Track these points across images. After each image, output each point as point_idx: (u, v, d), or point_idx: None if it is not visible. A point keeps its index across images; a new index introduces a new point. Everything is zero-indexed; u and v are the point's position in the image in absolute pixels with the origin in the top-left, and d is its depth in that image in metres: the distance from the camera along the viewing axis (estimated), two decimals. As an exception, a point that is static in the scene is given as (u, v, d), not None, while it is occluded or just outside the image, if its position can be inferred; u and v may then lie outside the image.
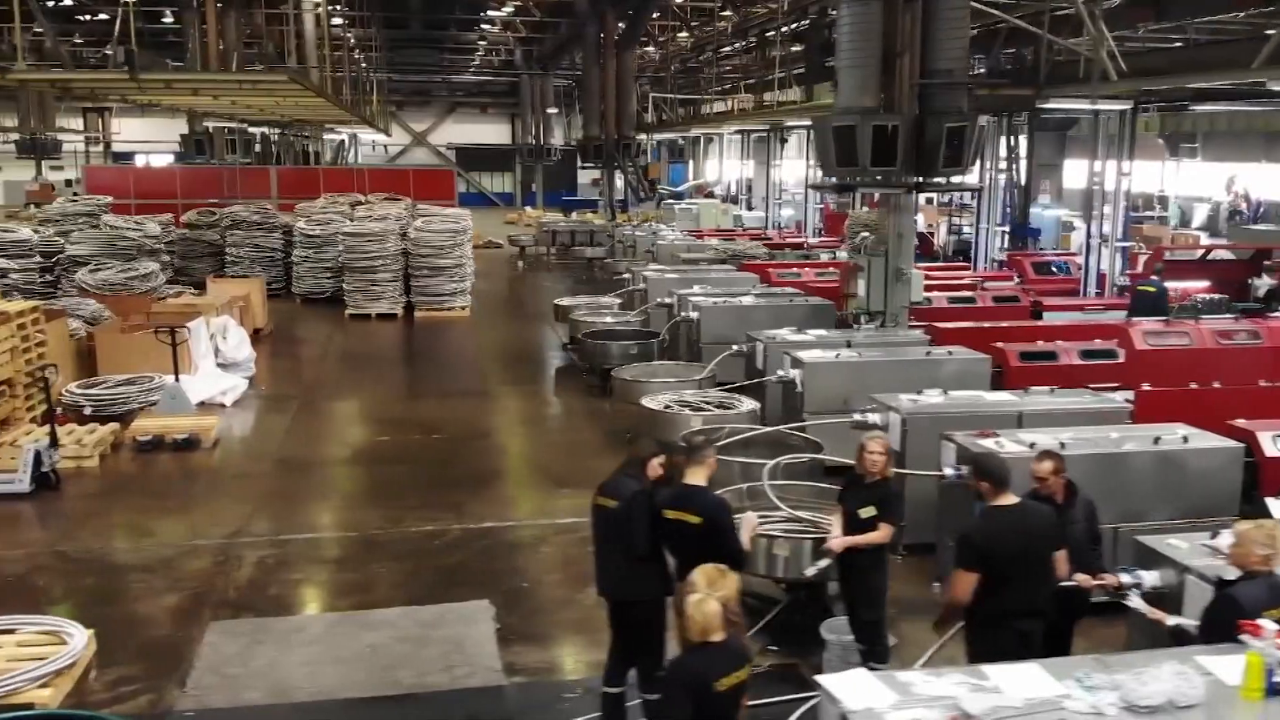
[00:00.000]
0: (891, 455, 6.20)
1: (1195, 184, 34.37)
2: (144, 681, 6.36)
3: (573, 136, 49.28)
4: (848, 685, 4.10)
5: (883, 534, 5.80)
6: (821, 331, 11.80)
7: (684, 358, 13.63)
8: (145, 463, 10.79)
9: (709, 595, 3.98)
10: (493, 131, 58.47)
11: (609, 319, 15.51)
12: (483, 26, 41.43)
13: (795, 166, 34.57)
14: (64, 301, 14.67)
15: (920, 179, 12.45)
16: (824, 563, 6.15)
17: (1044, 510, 5.37)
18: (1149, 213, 32.83)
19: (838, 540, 5.87)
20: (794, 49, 32.91)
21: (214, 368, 13.58)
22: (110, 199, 23.36)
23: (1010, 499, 5.20)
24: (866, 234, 22.72)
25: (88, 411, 12.03)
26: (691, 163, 49.48)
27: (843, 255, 21.78)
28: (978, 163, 13.38)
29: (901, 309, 12.75)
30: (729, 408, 10.15)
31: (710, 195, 42.56)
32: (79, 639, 6.39)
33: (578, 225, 29.76)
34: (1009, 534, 5.08)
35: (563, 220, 31.14)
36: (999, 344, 10.64)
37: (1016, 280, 17.24)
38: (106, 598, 7.58)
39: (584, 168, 35.01)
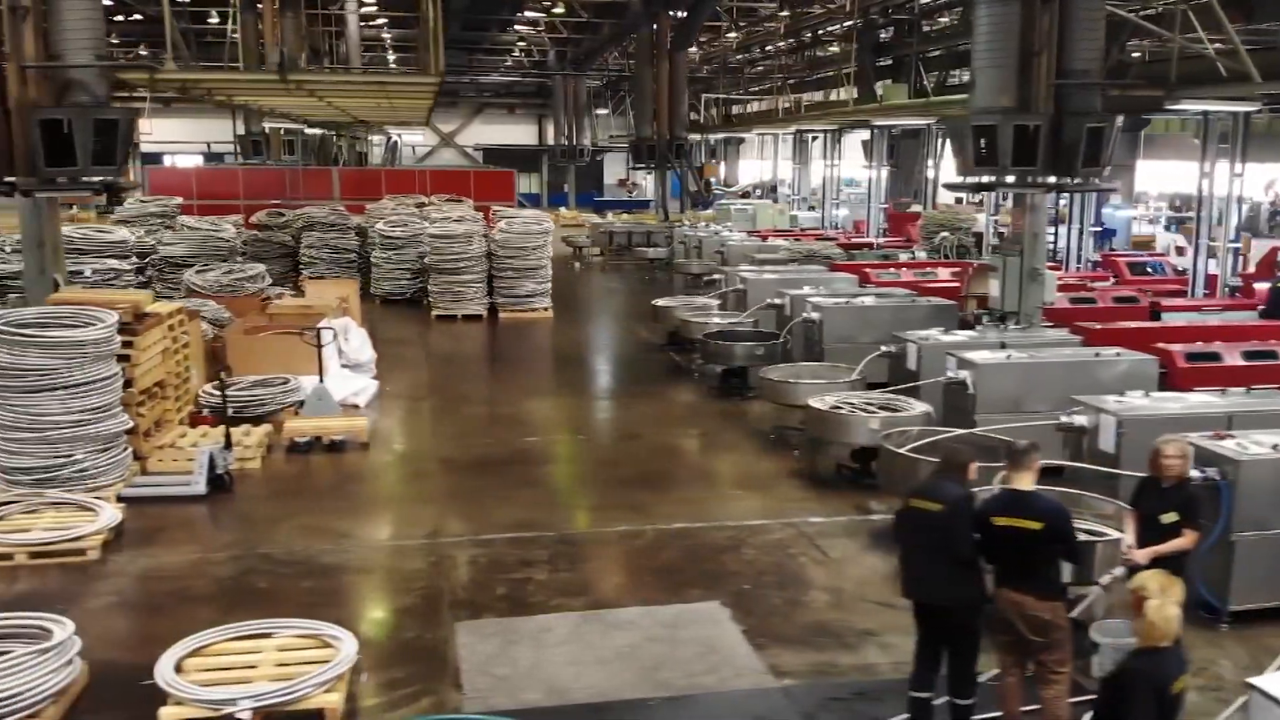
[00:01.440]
0: (1189, 457, 6.19)
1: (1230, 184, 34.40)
2: (418, 684, 6.36)
3: (599, 137, 49.34)
4: None
5: (1188, 540, 5.80)
6: (970, 333, 11.79)
7: (801, 358, 13.64)
8: (306, 464, 10.79)
9: (1167, 600, 3.99)
10: (520, 132, 58.44)
11: (717, 319, 15.51)
12: (517, 28, 41.48)
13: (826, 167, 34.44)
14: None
15: (1056, 179, 12.55)
16: (1119, 571, 6.09)
17: None
18: (1188, 213, 32.95)
19: (1144, 552, 5.82)
20: (834, 49, 33.13)
21: (340, 369, 13.57)
22: (180, 199, 23.42)
23: None
24: (946, 234, 22.87)
25: (229, 413, 12.03)
26: (723, 163, 49.42)
27: (922, 255, 21.86)
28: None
29: (1035, 309, 12.79)
30: (896, 410, 10.13)
31: (746, 195, 42.64)
32: (348, 642, 6.37)
33: (634, 226, 29.76)
34: None
35: (618, 221, 31.12)
36: (1161, 344, 10.65)
37: (1112, 280, 17.27)
38: (334, 600, 7.56)
39: (635, 168, 34.98)
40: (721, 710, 6.13)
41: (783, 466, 10.73)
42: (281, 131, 29.86)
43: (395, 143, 43.75)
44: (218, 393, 12.27)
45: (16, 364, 8.99)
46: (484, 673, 6.47)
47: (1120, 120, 12.66)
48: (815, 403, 10.21)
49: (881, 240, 24.69)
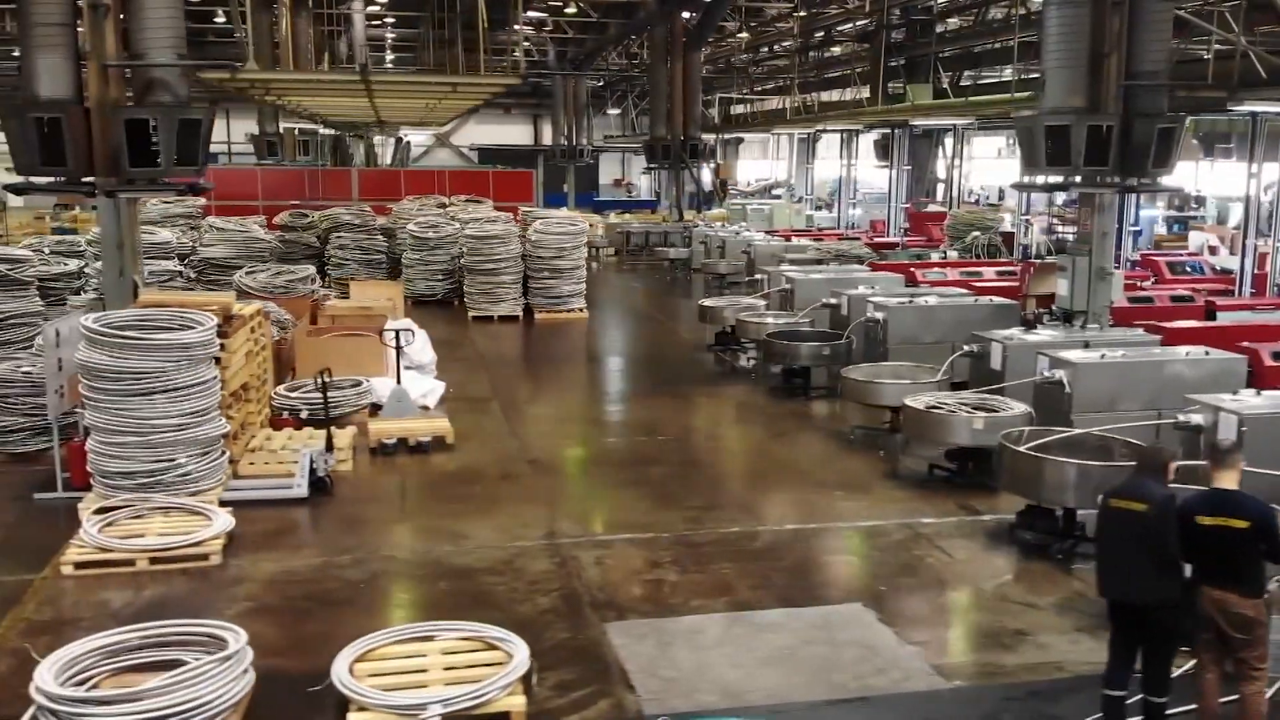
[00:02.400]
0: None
1: (1229, 183, 34.77)
2: (589, 685, 6.31)
3: (595, 138, 49.22)
4: None
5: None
6: (1051, 332, 11.82)
7: (863, 358, 13.66)
8: (396, 466, 10.70)
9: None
10: (515, 132, 58.28)
11: (770, 319, 15.49)
12: (516, 27, 41.31)
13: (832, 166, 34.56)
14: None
15: (1123, 180, 12.63)
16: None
17: None
18: (1190, 213, 33.23)
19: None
20: (838, 50, 33.20)
21: (405, 370, 13.47)
22: (203, 200, 23.20)
23: None
24: (977, 234, 22.97)
25: (304, 415, 11.95)
26: (720, 163, 49.46)
27: (954, 254, 21.94)
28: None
29: (1103, 308, 12.87)
30: (992, 410, 10.14)
31: (771, 191, 42.49)
32: (519, 645, 6.32)
33: (651, 226, 29.76)
34: None
35: (635, 221, 31.10)
36: (1246, 343, 10.73)
37: (1152, 280, 17.39)
38: (473, 601, 7.50)
39: (649, 169, 34.99)
40: (902, 712, 6.11)
41: (872, 467, 10.74)
42: (296, 132, 29.65)
43: (408, 143, 43.43)
44: (291, 394, 12.25)
45: (118, 367, 8.87)
46: (651, 675, 6.43)
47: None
48: (912, 403, 10.22)
49: (905, 240, 24.75)
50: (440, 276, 21.05)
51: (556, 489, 10.06)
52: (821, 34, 31.87)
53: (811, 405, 13.28)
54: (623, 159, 59.45)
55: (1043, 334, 11.62)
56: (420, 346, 14.15)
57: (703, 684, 6.33)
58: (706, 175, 31.22)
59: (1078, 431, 8.94)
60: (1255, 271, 16.54)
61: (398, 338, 12.12)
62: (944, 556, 8.37)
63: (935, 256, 21.15)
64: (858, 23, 30.41)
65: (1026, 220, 22.45)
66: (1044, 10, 12.61)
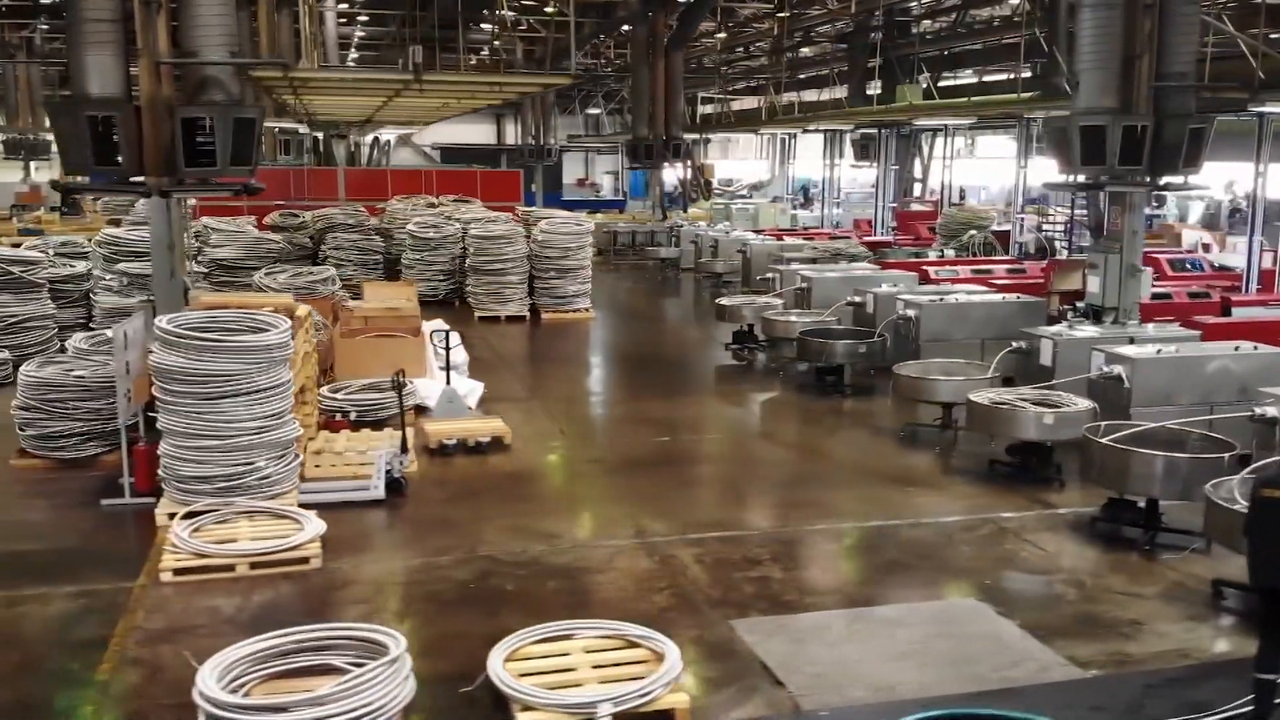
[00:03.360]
0: None
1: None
2: (737, 683, 6.34)
3: (560, 137, 49.12)
4: None
5: None
6: (1097, 329, 12.04)
7: (895, 356, 13.83)
8: (458, 466, 10.64)
9: None
10: (478, 132, 57.87)
11: (794, 318, 15.60)
12: (484, 26, 41.09)
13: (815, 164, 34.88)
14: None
15: (1153, 179, 12.94)
16: None
17: None
18: (1153, 212, 33.99)
19: None
20: (810, 51, 33.45)
21: (441, 371, 13.39)
22: (193, 200, 22.81)
23: None
24: (974, 232, 23.29)
25: (353, 417, 11.85)
26: (704, 163, 49.68)
27: (950, 253, 22.24)
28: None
29: (1133, 305, 13.17)
30: (1055, 405, 10.31)
31: (758, 188, 42.62)
32: (664, 641, 6.33)
33: (636, 226, 29.82)
34: None
35: (620, 221, 31.12)
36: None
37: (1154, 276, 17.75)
38: (589, 599, 7.50)
39: (632, 168, 34.97)
40: (1052, 702, 6.19)
41: (931, 463, 10.88)
42: (277, 131, 29.27)
43: (388, 143, 42.96)
44: (335, 396, 12.13)
45: (199, 369, 8.73)
46: (795, 671, 6.47)
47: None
48: (977, 398, 10.36)
49: (897, 239, 25.04)
50: (441, 277, 20.91)
51: (627, 488, 10.07)
52: (800, 35, 32.09)
53: (849, 403, 13.40)
54: (586, 158, 59.47)
55: (1089, 330, 11.83)
56: (454, 346, 14.05)
57: (847, 679, 6.38)
58: (681, 174, 31.19)
59: (1154, 425, 9.11)
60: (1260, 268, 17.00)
61: (447, 339, 12.05)
62: (1036, 550, 8.51)
63: (933, 255, 21.40)
64: (837, 24, 30.71)
65: (1021, 219, 22.79)
66: (1078, 13, 12.84)
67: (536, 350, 17.36)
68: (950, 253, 21.75)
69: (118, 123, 10.19)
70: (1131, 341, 11.36)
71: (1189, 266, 18.49)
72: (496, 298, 19.52)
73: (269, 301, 10.50)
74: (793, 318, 15.51)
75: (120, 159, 10.29)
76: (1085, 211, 24.60)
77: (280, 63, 14.75)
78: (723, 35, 34.64)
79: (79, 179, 10.87)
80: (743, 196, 35.26)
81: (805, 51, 34.89)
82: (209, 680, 5.58)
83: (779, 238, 25.22)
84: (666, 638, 6.35)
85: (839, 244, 23.25)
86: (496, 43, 43.45)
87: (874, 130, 28.74)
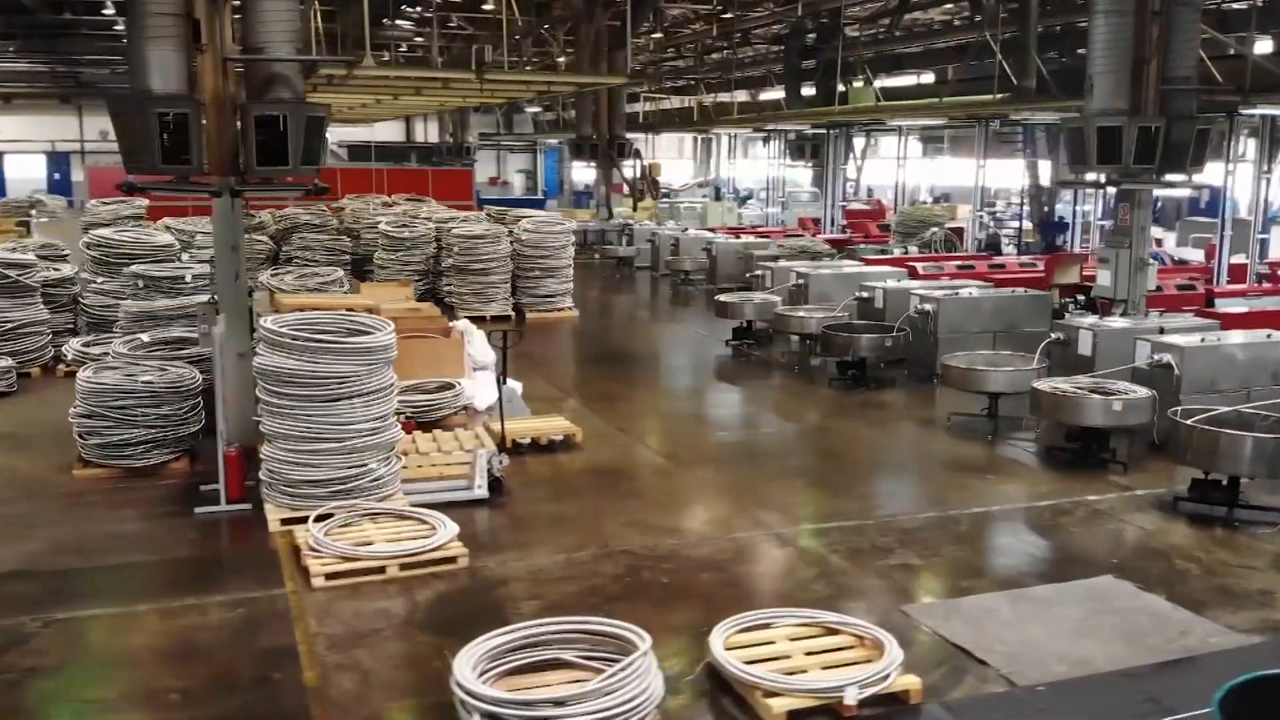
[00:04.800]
0: None
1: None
2: (941, 664, 6.55)
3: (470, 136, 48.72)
4: None
5: None
6: (1127, 319, 12.65)
7: (911, 350, 14.32)
8: (536, 464, 10.63)
9: None
10: (387, 129, 57.04)
11: (802, 313, 15.94)
12: (400, 23, 40.54)
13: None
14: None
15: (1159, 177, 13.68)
16: None
17: None
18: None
19: None
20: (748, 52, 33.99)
21: (475, 370, 13.33)
22: (147, 201, 22.08)
23: None
24: (935, 230, 24.00)
25: (406, 416, 11.72)
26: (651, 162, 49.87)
27: (913, 249, 22.91)
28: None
29: (1141, 297, 13.87)
30: (1108, 392, 10.82)
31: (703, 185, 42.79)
32: (863, 625, 6.56)
33: (589, 225, 29.92)
34: None
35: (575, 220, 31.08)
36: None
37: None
38: (747, 589, 7.68)
39: (573, 165, 34.95)
40: (1238, 666, 6.53)
41: (991, 451, 11.28)
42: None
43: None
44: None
45: (316, 371, 8.61)
46: (989, 650, 6.71)
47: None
48: (1043, 387, 10.82)
49: (851, 235, 25.66)
50: (416, 277, 20.66)
51: (718, 483, 10.22)
52: (739, 36, 32.55)
53: (880, 396, 13.77)
54: (498, 157, 59.11)
55: (1122, 322, 12.42)
56: (481, 347, 13.98)
57: (1041, 655, 6.66)
58: (630, 173, 31.40)
59: (1228, 409, 9.68)
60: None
61: (505, 338, 12.00)
62: (1136, 528, 8.97)
63: (897, 252, 22.03)
64: (773, 27, 31.27)
65: (980, 217, 23.66)
66: (1090, 19, 13.45)
67: (538, 349, 17.28)
68: (914, 249, 22.40)
69: (190, 121, 9.91)
70: (1162, 331, 11.97)
71: (1153, 260, 19.42)
72: (480, 298, 19.40)
73: (348, 303, 10.36)
74: (801, 313, 15.86)
75: (190, 158, 10.01)
76: (1030, 210, 25.73)
77: (346, 60, 14.43)
78: (658, 36, 34.95)
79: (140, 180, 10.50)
80: (690, 196, 35.61)
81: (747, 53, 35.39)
82: (466, 671, 5.60)
83: (736, 235, 25.58)
84: (872, 624, 6.56)
85: (802, 242, 23.72)
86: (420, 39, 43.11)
87: (824, 131, 29.30)
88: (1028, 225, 25.52)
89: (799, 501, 9.71)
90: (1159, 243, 23.38)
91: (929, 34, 28.22)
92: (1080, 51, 22.92)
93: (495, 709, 5.40)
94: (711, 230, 27.18)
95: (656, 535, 8.68)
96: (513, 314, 19.47)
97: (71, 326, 15.48)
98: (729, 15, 30.05)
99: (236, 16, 10.64)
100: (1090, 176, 14.87)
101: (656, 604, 7.37)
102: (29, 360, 14.22)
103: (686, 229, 26.42)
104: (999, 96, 19.79)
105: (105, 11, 28.32)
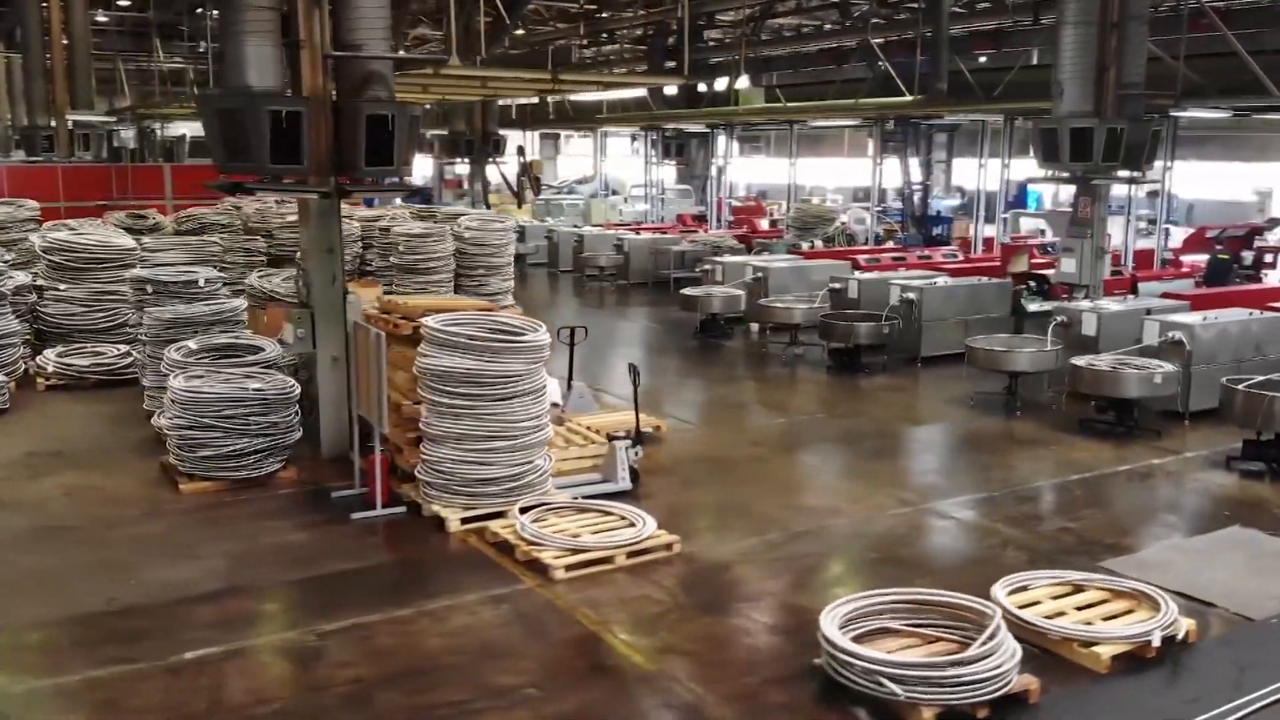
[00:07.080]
0: None
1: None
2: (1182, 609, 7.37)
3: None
4: None
5: None
6: (1116, 302, 14.02)
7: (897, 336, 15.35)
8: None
9: None
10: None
11: (779, 304, 16.74)
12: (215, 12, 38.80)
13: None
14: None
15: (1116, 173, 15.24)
16: None
17: None
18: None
19: None
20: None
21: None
22: (35, 203, 20.58)
23: None
24: (840, 224, 25.27)
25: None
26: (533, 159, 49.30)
27: (818, 244, 24.10)
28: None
29: (1100, 282, 15.41)
30: (1135, 368, 12.05)
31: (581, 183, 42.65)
32: (1154, 590, 7.22)
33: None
34: None
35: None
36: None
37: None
38: (958, 559, 8.35)
39: (448, 163, 34.35)
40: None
41: (1032, 425, 12.28)
42: (70, 124, 26.52)
43: (184, 135, 38.93)
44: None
45: (491, 371, 8.68)
46: (1204, 592, 7.58)
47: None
48: (1081, 363, 11.95)
49: (747, 231, 26.70)
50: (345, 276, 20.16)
51: (824, 466, 10.85)
52: (606, 35, 33.05)
53: (880, 380, 14.67)
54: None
55: (1117, 305, 13.78)
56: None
57: (1247, 595, 7.59)
58: (514, 170, 31.37)
59: (1266, 377, 11.02)
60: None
61: (572, 335, 12.17)
62: (1210, 484, 10.16)
63: (805, 246, 23.15)
64: (634, 28, 31.89)
65: (878, 211, 25.15)
66: (1059, 29, 14.79)
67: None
68: (819, 244, 23.58)
69: (304, 120, 9.65)
70: (1149, 313, 13.37)
71: (1050, 250, 21.28)
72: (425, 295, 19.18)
73: (463, 304, 10.35)
74: (785, 304, 16.67)
75: (301, 158, 9.73)
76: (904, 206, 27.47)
77: (436, 59, 13.96)
78: (521, 33, 34.95)
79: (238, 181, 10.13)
80: (570, 193, 35.81)
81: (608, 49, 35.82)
82: (831, 628, 6.06)
83: (637, 231, 26.13)
84: (1149, 586, 7.29)
85: (708, 238, 24.54)
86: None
87: (706, 131, 30.18)
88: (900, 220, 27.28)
89: (918, 479, 10.45)
90: (1043, 233, 25.52)
91: (797, 39, 29.53)
92: (980, 57, 24.88)
93: (897, 670, 5.84)
94: (595, 226, 27.60)
95: (821, 517, 9.18)
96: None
97: (28, 337, 14.50)
98: (604, 14, 30.54)
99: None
100: (1041, 173, 16.32)
101: (882, 578, 7.80)
102: (5, 373, 13.22)
103: (578, 225, 26.73)
104: (916, 97, 21.17)
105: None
